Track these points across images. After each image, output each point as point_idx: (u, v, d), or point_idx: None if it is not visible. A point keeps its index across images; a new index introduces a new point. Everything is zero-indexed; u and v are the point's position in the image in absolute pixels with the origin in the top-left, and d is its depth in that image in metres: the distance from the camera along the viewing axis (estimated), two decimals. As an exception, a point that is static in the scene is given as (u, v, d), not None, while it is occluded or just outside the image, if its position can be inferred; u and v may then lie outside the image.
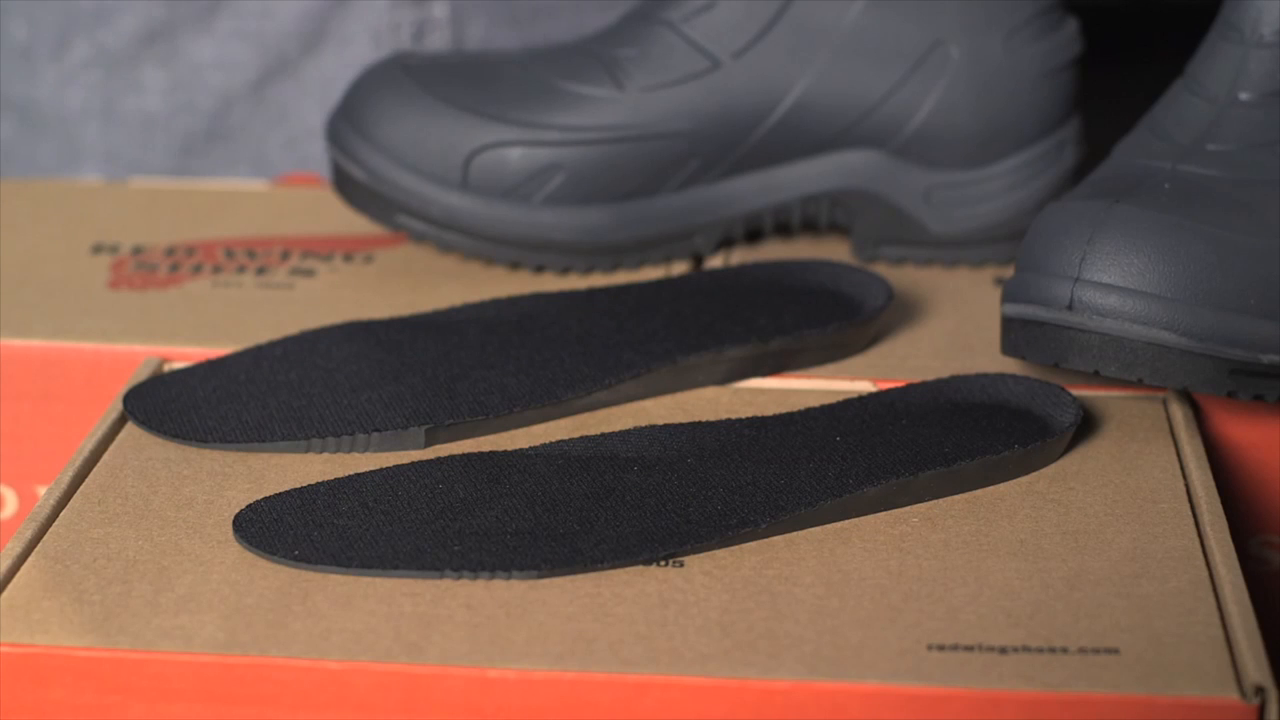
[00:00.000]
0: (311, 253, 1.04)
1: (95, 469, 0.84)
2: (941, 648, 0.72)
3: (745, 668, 0.71)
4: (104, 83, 1.19)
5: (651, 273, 1.02)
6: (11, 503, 0.97)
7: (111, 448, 0.85)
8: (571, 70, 1.01)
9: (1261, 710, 0.69)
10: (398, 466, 0.82)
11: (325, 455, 0.85)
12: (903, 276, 1.02)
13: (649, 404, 0.89)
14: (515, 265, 1.02)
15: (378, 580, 0.75)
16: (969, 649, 0.72)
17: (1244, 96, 0.89)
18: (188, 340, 0.94)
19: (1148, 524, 0.80)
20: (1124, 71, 1.22)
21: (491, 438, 0.86)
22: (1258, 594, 0.78)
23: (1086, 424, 0.87)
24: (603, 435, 0.84)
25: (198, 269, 1.02)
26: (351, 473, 0.82)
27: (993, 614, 0.74)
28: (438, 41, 1.14)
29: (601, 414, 0.88)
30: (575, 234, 1.01)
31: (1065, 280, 0.85)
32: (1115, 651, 0.72)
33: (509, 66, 1.02)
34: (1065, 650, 0.72)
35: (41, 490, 0.96)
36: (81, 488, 0.82)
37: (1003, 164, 1.02)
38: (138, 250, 1.04)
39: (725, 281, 0.97)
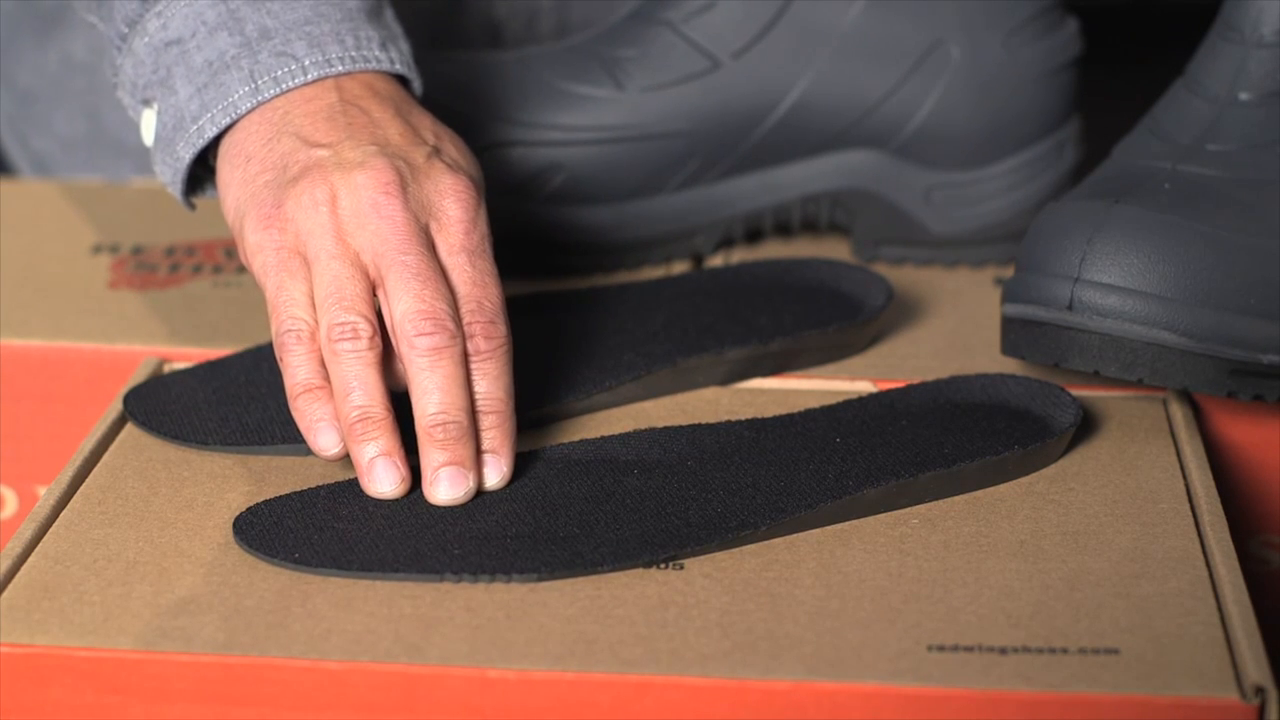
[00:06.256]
0: (311, 253, 1.04)
1: (95, 469, 0.84)
2: (941, 648, 0.72)
3: (745, 668, 0.71)
4: None
5: (651, 273, 1.02)
6: (11, 503, 0.97)
7: (111, 448, 0.85)
8: (571, 70, 1.01)
9: (1261, 710, 0.69)
10: (398, 467, 0.82)
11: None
12: (903, 276, 1.02)
13: (649, 405, 0.89)
14: (515, 265, 1.02)
15: (378, 582, 0.75)
16: (969, 649, 0.72)
17: (1244, 96, 0.89)
18: (188, 340, 0.94)
19: (1148, 524, 0.80)
20: (1124, 71, 1.22)
21: (492, 439, 0.86)
22: (1258, 594, 0.78)
23: (1086, 424, 0.87)
24: (603, 438, 0.84)
25: (198, 269, 1.02)
26: (352, 476, 0.82)
27: (993, 614, 0.74)
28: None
29: (601, 416, 0.88)
30: (575, 234, 1.01)
31: (1065, 280, 0.85)
32: (1115, 651, 0.72)
33: (509, 66, 1.02)
34: (1065, 650, 0.72)
35: (41, 490, 0.96)
36: (81, 488, 0.82)
37: (1003, 164, 1.02)
38: (138, 250, 1.04)
39: (725, 281, 0.97)
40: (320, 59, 0.86)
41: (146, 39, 0.88)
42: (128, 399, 0.88)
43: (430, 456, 0.80)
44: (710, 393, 0.90)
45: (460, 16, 1.12)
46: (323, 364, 0.81)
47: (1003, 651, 0.72)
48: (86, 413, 0.92)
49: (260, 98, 0.85)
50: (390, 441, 0.80)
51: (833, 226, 1.05)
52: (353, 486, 0.81)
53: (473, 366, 0.80)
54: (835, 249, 1.05)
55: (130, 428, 0.87)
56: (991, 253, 1.03)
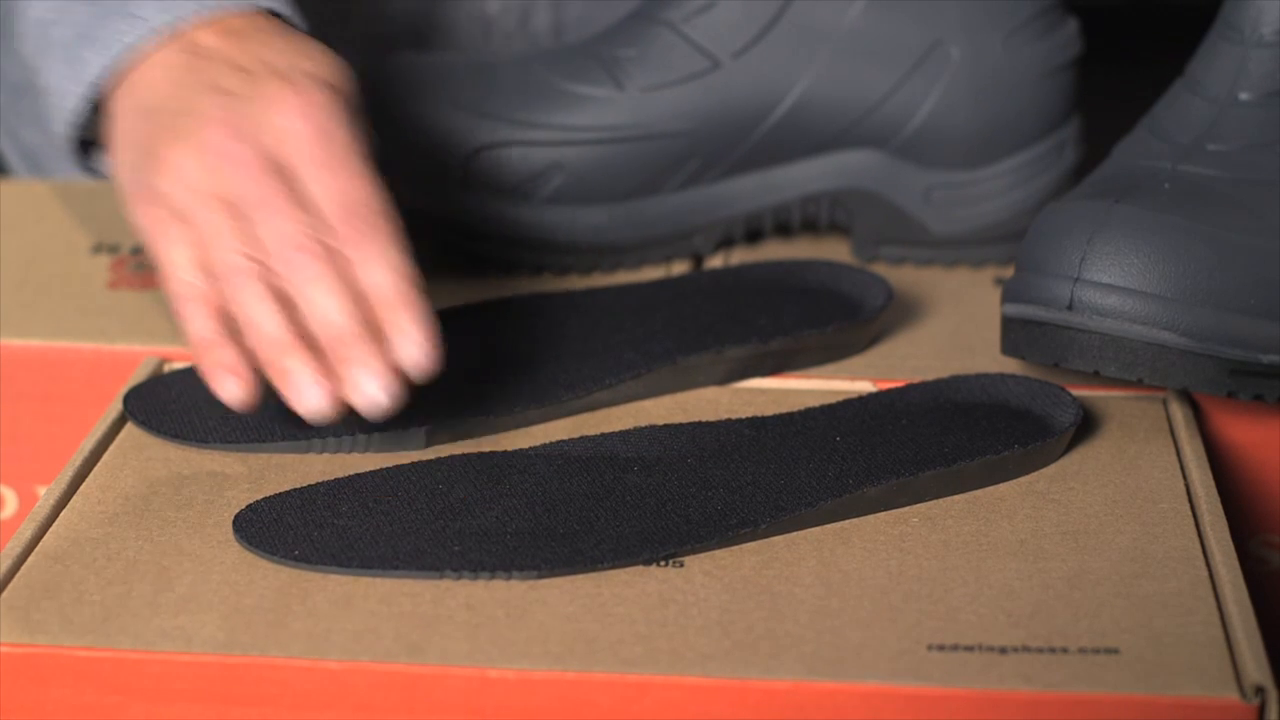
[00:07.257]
0: (311, 253, 1.04)
1: (95, 469, 0.84)
2: (941, 648, 0.72)
3: (745, 668, 0.71)
4: None
5: (651, 273, 1.02)
6: (11, 503, 0.97)
7: (111, 448, 0.85)
8: (571, 70, 1.01)
9: (1261, 710, 0.69)
10: (398, 466, 0.82)
11: (325, 455, 0.85)
12: (903, 276, 1.02)
13: (649, 404, 0.89)
14: (515, 265, 1.02)
15: (378, 580, 0.75)
16: (969, 649, 0.72)
17: (1244, 96, 0.89)
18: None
19: (1148, 524, 0.80)
20: (1124, 71, 1.22)
21: (492, 438, 0.86)
22: (1258, 594, 0.78)
23: (1086, 424, 0.87)
24: (603, 435, 0.84)
25: (198, 269, 1.02)
26: (352, 473, 0.82)
27: (993, 614, 0.74)
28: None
29: (601, 414, 0.88)
30: (575, 234, 1.01)
31: (1065, 280, 0.85)
32: (1115, 651, 0.72)
33: (509, 66, 1.02)
34: (1065, 650, 0.72)
35: (41, 490, 0.96)
36: (81, 488, 0.82)
37: (1003, 164, 1.02)
38: (138, 250, 1.04)
39: (725, 281, 0.97)
40: (170, 19, 0.87)
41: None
42: (128, 399, 0.88)
43: (344, 366, 0.80)
44: (710, 392, 0.90)
45: (450, 11, 1.12)
46: (225, 316, 0.81)
47: (1003, 651, 0.72)
48: (86, 413, 0.92)
49: (112, 65, 0.87)
50: (307, 356, 0.80)
51: (833, 226, 1.05)
52: (353, 483, 0.81)
53: (358, 262, 0.81)
54: (835, 249, 1.05)
55: (130, 428, 0.87)
56: (991, 253, 1.03)
